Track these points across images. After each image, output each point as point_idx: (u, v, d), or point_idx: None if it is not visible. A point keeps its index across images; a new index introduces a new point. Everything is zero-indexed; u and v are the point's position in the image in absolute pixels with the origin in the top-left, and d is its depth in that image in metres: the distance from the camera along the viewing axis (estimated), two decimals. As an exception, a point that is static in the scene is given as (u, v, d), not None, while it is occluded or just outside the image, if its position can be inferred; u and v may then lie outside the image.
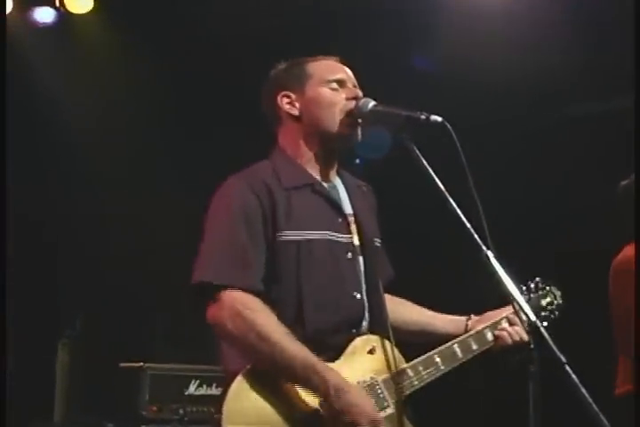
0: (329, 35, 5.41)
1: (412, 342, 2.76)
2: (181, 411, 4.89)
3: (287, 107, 2.69)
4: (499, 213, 3.01)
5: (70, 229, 6.06)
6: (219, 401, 2.39)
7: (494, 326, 2.77)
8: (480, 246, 2.30)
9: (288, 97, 2.69)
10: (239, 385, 2.38)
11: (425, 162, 2.46)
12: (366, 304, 2.60)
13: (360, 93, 2.67)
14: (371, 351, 2.55)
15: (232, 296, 2.44)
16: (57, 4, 5.58)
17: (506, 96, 5.62)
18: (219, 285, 2.45)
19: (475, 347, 2.71)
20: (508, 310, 2.78)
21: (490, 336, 2.75)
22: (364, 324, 2.59)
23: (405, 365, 2.58)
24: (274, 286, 2.50)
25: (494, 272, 2.28)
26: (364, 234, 2.67)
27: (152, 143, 6.10)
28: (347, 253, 2.61)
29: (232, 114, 5.73)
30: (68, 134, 5.95)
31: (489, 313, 2.81)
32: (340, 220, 2.63)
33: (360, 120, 2.63)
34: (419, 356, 2.62)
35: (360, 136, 2.66)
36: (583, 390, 2.05)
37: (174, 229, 5.89)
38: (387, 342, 2.59)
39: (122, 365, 5.04)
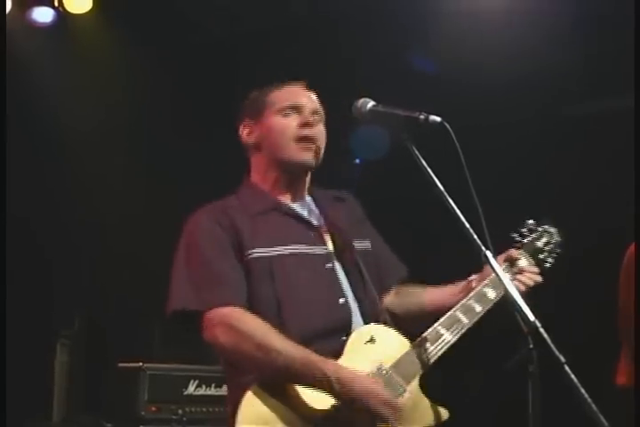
0: (329, 37, 5.41)
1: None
2: (180, 411, 4.89)
3: (246, 137, 2.77)
4: (502, 213, 3.01)
5: (69, 228, 6.06)
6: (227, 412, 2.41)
7: (493, 282, 2.69)
8: (479, 246, 2.30)
9: (248, 127, 2.77)
10: (250, 397, 2.37)
11: (424, 162, 2.46)
12: (353, 308, 2.60)
13: (311, 119, 2.70)
14: (371, 341, 2.53)
15: (219, 313, 2.47)
16: (55, 3, 5.58)
17: (506, 96, 5.62)
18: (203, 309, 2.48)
19: (478, 309, 2.66)
20: (502, 263, 2.74)
21: (492, 294, 2.68)
22: (354, 328, 2.57)
23: (411, 345, 2.56)
24: (253, 302, 2.52)
25: (493, 271, 2.29)
26: (338, 242, 2.69)
27: (150, 143, 6.10)
28: (325, 263, 2.63)
29: (231, 114, 5.72)
30: (66, 134, 5.95)
31: (488, 267, 2.68)
32: (311, 233, 2.67)
33: (312, 146, 2.67)
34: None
35: (315, 161, 2.70)
36: (582, 390, 2.05)
37: (172, 230, 5.88)
38: (386, 328, 2.58)
39: (120, 365, 5.04)
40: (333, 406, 2.39)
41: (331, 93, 2.87)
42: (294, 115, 2.70)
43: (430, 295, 2.81)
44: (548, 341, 2.12)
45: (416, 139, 2.50)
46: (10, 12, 5.34)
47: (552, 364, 2.10)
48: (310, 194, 2.79)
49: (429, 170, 2.44)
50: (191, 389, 4.99)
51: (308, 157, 2.67)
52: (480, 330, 2.72)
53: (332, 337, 2.52)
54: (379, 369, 2.48)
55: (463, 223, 2.34)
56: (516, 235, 2.90)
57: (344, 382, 2.35)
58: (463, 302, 2.66)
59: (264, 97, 2.77)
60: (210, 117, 5.99)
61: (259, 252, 2.55)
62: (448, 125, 2.44)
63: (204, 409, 4.97)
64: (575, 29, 5.20)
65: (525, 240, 2.91)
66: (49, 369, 5.65)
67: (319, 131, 2.72)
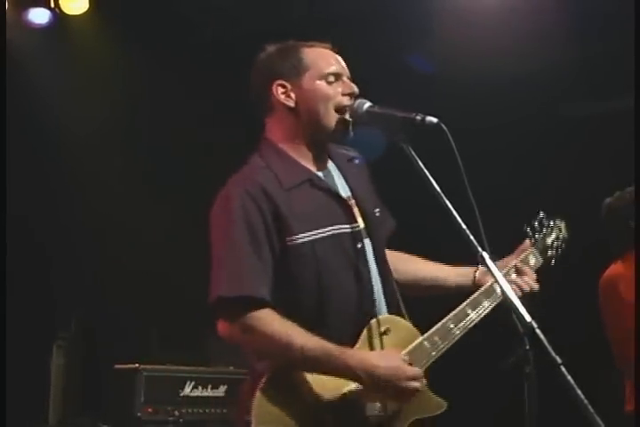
0: (326, 37, 5.39)
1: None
2: (177, 412, 4.89)
3: (282, 97, 2.62)
4: (501, 213, 3.00)
5: (68, 230, 6.06)
6: (240, 402, 2.43)
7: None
8: (476, 247, 2.30)
9: (283, 87, 2.62)
10: (260, 397, 2.39)
11: (421, 163, 2.45)
12: (376, 288, 2.61)
13: (355, 89, 2.65)
14: (385, 332, 2.55)
15: (242, 310, 2.43)
16: (52, 5, 5.58)
17: (505, 96, 5.61)
18: (228, 297, 2.44)
19: (487, 304, 2.68)
20: (515, 258, 2.79)
21: (500, 290, 2.72)
22: (378, 307, 2.59)
23: (421, 338, 2.58)
24: (290, 292, 2.50)
25: (489, 272, 2.29)
26: (366, 216, 2.65)
27: (148, 144, 6.10)
28: (356, 242, 2.60)
29: (231, 115, 5.72)
30: (62, 136, 5.94)
31: (497, 263, 2.67)
32: (342, 209, 2.61)
33: (350, 118, 2.60)
34: (432, 323, 2.62)
35: (352, 132, 2.64)
36: (579, 391, 2.05)
37: (171, 232, 5.89)
38: (400, 319, 2.60)
39: (117, 366, 5.03)
40: (350, 391, 2.43)
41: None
42: (335, 82, 2.62)
43: (446, 277, 2.85)
44: (545, 342, 2.11)
45: (413, 140, 2.49)
46: (6, 12, 5.33)
47: (549, 365, 2.09)
48: (329, 156, 2.71)
49: (426, 171, 2.44)
50: (187, 390, 4.98)
51: (347, 128, 2.61)
52: (480, 330, 2.73)
53: (362, 320, 2.54)
54: None
55: (460, 224, 2.34)
56: (527, 228, 2.90)
57: (368, 371, 2.38)
58: (473, 296, 2.69)
59: (300, 56, 2.64)
60: (208, 118, 5.99)
61: (302, 237, 2.50)
62: (444, 126, 2.43)
63: (201, 410, 4.97)
64: (575, 28, 5.19)
65: (537, 236, 2.92)
66: (45, 371, 5.65)
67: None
